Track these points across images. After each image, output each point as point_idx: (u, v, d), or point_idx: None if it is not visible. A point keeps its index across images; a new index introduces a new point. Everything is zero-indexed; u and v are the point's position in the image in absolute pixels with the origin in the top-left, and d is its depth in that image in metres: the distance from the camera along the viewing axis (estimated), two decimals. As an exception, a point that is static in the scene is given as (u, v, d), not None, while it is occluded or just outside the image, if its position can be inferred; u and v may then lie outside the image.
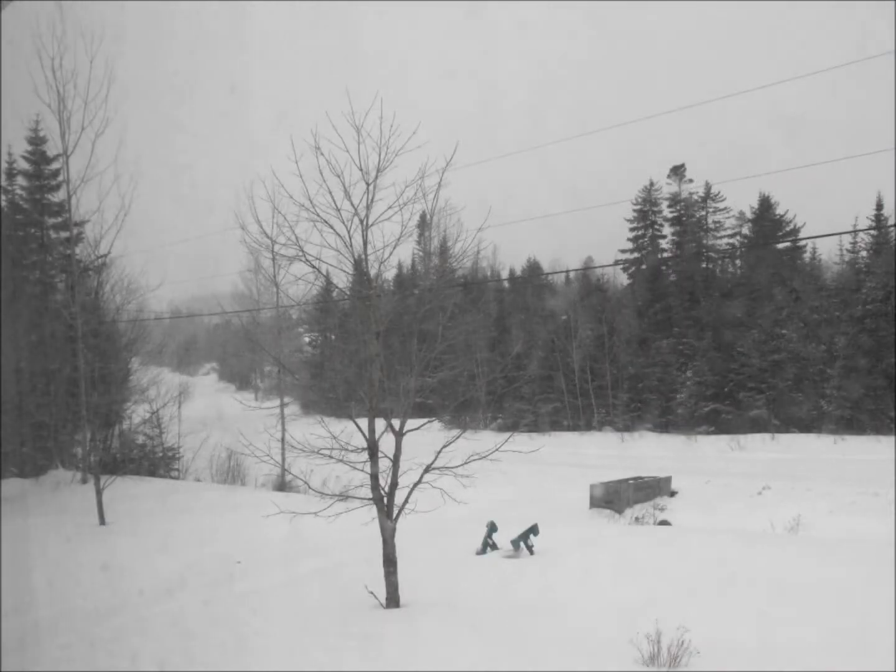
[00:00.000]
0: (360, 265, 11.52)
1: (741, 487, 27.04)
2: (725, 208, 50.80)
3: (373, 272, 11.49)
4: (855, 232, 43.96)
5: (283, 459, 17.96)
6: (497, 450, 10.95)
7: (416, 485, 10.97)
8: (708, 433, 43.13)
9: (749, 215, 50.04)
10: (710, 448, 40.42)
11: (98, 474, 20.46)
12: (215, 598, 12.29)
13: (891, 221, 42.38)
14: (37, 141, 30.70)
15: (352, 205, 10.67)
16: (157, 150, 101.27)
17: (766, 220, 49.04)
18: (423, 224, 25.06)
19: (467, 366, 36.87)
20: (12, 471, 26.36)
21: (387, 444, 10.97)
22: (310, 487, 11.70)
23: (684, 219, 51.82)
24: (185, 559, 15.10)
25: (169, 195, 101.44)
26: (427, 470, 10.97)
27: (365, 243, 10.94)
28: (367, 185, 10.63)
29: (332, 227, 10.80)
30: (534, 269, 60.06)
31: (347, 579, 12.46)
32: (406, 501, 10.97)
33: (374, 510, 11.02)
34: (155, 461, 31.67)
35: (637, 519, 24.00)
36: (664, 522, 22.95)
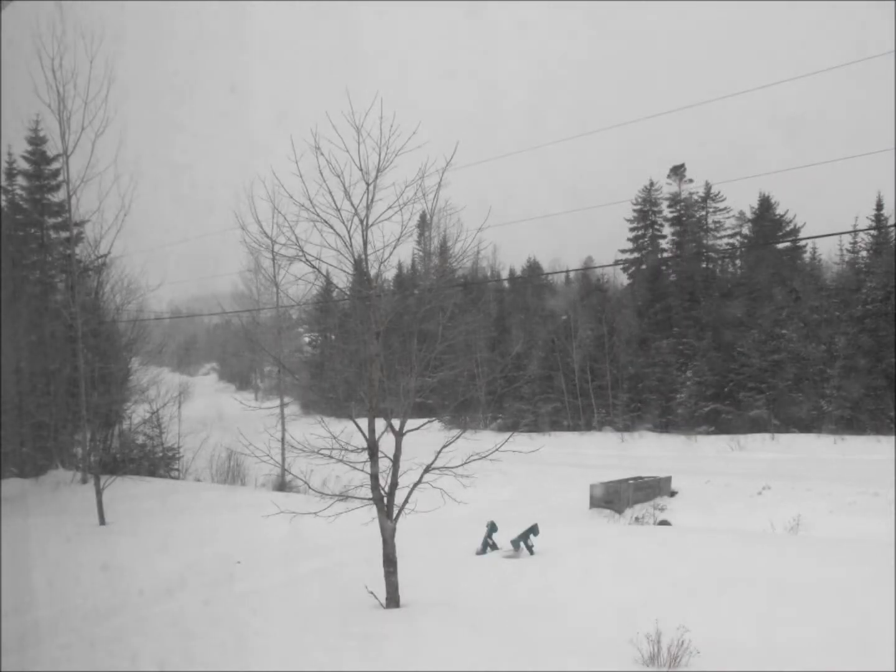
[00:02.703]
0: (360, 265, 11.52)
1: (741, 487, 27.04)
2: (725, 208, 50.88)
3: (373, 272, 11.48)
4: (855, 232, 43.94)
5: (283, 459, 17.95)
6: (497, 450, 10.94)
7: (416, 485, 10.97)
8: (708, 433, 43.12)
9: (749, 215, 50.04)
10: (710, 448, 40.40)
11: (98, 474, 20.46)
12: (215, 598, 12.29)
13: (891, 221, 42.39)
14: (37, 141, 30.71)
15: (352, 205, 10.67)
16: (157, 150, 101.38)
17: (766, 220, 49.02)
18: (423, 224, 25.10)
19: (467, 366, 36.78)
20: (12, 471, 26.36)
21: (387, 444, 10.97)
22: (310, 487, 11.68)
23: (684, 219, 51.81)
24: (185, 559, 15.09)
25: (169, 195, 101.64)
26: (427, 470, 10.97)
27: (365, 243, 10.94)
28: (367, 185, 10.62)
29: (332, 227, 10.80)
30: (534, 269, 60.05)
31: (347, 579, 12.46)
32: (406, 501, 10.96)
33: (374, 510, 11.02)
34: (155, 461, 31.68)
35: (637, 519, 24.02)
36: (664, 522, 22.96)
